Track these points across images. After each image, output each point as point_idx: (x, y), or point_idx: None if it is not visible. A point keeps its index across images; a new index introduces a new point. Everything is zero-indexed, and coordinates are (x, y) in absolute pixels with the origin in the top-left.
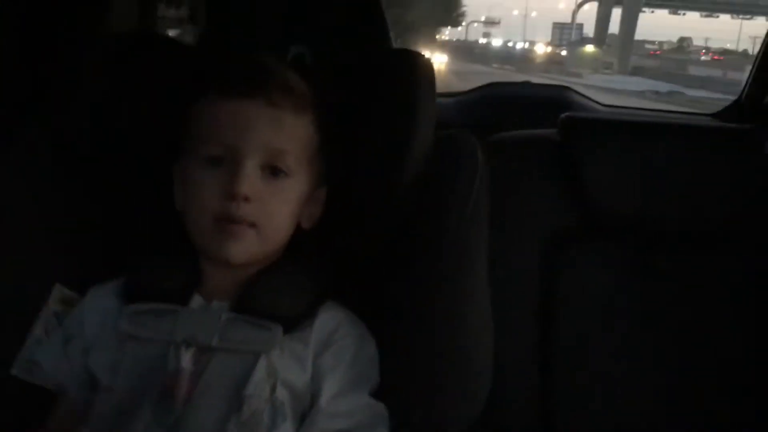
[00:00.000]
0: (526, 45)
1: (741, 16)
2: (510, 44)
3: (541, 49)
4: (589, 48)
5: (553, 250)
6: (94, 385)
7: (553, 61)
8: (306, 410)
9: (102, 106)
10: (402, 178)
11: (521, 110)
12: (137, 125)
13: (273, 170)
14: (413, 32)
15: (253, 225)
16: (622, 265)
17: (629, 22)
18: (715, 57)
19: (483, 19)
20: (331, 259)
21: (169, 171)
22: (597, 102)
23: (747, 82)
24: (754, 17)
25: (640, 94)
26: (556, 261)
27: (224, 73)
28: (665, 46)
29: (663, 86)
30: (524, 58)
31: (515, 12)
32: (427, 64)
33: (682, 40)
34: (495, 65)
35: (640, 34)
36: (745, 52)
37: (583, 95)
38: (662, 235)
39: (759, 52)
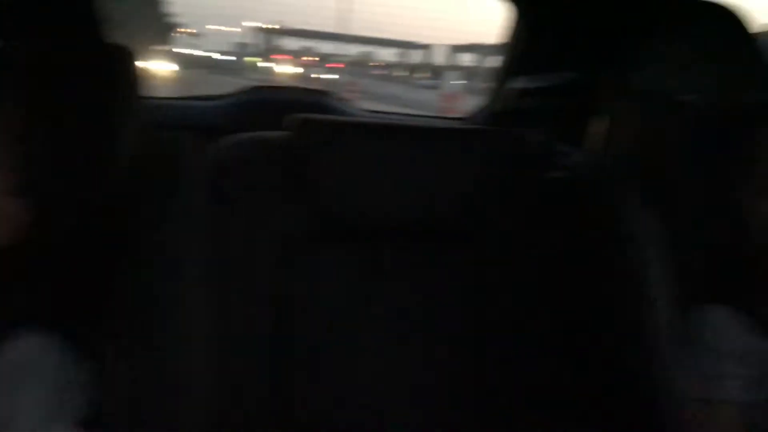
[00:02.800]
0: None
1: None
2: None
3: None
4: (249, 58)
5: (288, 254)
6: None
7: (233, 68)
8: None
9: None
10: (105, 184)
11: (284, 113)
12: None
13: None
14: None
15: None
16: (356, 267)
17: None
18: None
19: (187, 31)
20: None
21: None
22: (358, 108)
23: (492, 93)
24: None
25: None
26: (291, 265)
27: None
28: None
29: None
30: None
31: (210, 26)
32: (127, 57)
33: (364, 54)
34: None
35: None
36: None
37: (344, 100)
38: (396, 235)
39: (499, 63)
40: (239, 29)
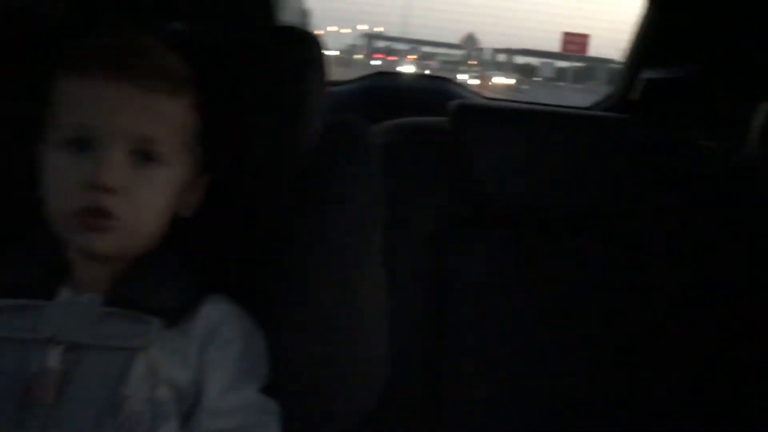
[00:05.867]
0: None
1: None
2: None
3: None
4: (357, 56)
5: (444, 237)
6: None
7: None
8: (191, 409)
9: None
10: (291, 166)
11: (408, 99)
12: None
13: (143, 157)
14: None
15: (119, 218)
16: (507, 252)
17: None
18: None
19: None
20: (216, 250)
21: (31, 153)
22: (477, 95)
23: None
24: None
25: None
26: (446, 248)
27: (86, 49)
28: None
29: None
30: None
31: (330, 28)
32: (316, 42)
33: (463, 56)
34: None
35: None
36: None
37: (464, 87)
38: (546, 222)
39: (626, 54)
40: (350, 30)
